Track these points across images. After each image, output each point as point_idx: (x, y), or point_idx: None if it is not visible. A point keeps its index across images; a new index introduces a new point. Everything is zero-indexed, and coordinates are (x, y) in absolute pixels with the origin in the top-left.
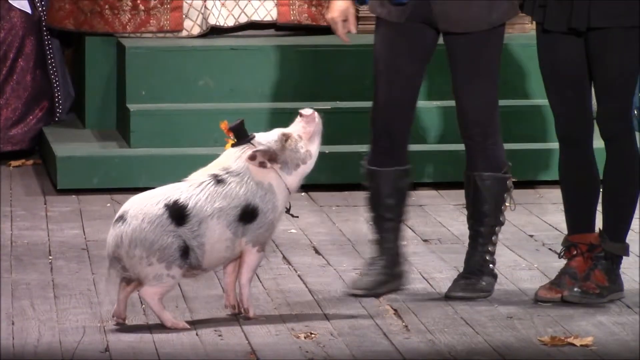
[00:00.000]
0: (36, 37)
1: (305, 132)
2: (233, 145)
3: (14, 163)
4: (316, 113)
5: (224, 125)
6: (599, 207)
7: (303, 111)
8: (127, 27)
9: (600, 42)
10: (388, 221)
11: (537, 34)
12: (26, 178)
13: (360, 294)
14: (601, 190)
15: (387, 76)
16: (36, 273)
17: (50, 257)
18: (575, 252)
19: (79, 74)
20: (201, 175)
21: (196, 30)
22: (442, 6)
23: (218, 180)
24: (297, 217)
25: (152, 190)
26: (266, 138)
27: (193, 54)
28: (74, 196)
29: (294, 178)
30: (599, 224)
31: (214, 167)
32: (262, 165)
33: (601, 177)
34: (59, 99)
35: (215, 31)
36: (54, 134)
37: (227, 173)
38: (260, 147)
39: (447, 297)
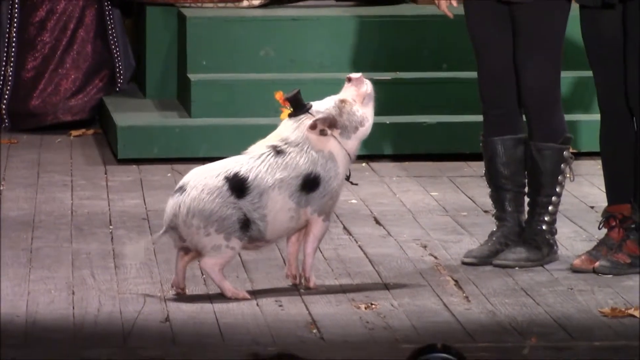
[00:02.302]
0: (97, 7)
1: (358, 95)
2: (290, 116)
3: (74, 133)
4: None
5: (279, 95)
6: None
7: (351, 75)
8: None
9: (635, 13)
10: (506, 192)
11: (579, 8)
12: (86, 148)
13: (470, 261)
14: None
15: (477, 47)
16: (96, 243)
17: (110, 227)
18: (614, 223)
19: (140, 43)
20: (260, 147)
21: (257, 0)
22: None
23: (277, 152)
24: (357, 184)
25: (213, 163)
26: (323, 106)
27: (254, 24)
28: (134, 166)
29: (353, 142)
30: None
31: (272, 139)
32: (322, 133)
33: None
34: (120, 68)
35: (276, 1)
36: (115, 104)
37: (286, 144)
38: (319, 115)
39: (492, 264)
